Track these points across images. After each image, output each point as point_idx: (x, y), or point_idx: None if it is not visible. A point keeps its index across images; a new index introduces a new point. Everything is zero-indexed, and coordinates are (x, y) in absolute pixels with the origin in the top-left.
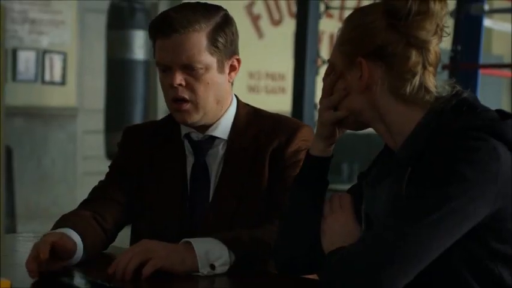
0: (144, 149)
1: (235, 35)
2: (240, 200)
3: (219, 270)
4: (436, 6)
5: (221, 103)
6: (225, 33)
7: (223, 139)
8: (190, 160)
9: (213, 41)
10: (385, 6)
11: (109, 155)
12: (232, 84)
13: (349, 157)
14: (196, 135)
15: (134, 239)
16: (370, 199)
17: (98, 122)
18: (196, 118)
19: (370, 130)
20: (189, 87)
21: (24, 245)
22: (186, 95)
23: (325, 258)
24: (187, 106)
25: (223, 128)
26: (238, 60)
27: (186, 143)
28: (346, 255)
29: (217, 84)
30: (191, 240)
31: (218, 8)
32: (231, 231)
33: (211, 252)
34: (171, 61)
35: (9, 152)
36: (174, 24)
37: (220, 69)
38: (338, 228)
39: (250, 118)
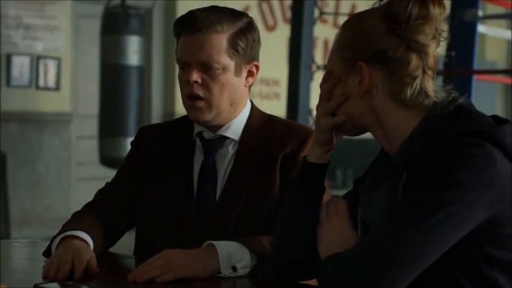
0: (155, 148)
1: (256, 41)
2: (247, 201)
3: (240, 272)
4: (435, 11)
5: (235, 105)
6: (246, 38)
7: (234, 139)
8: (199, 158)
9: (233, 44)
10: (385, 11)
11: (103, 160)
12: (249, 89)
13: (343, 163)
14: (208, 134)
15: (137, 239)
16: (366, 205)
17: (92, 127)
18: (208, 117)
19: (364, 136)
20: (205, 85)
21: (19, 250)
22: (201, 93)
23: (321, 263)
24: (201, 104)
25: (235, 128)
26: (257, 67)
27: (198, 141)
28: (342, 261)
29: (232, 86)
30: (214, 243)
31: (243, 14)
32: (252, 236)
33: (233, 255)
34: (191, 58)
35: (3, 158)
36: (197, 23)
37: (238, 72)
38: (334, 234)
39: (263, 122)
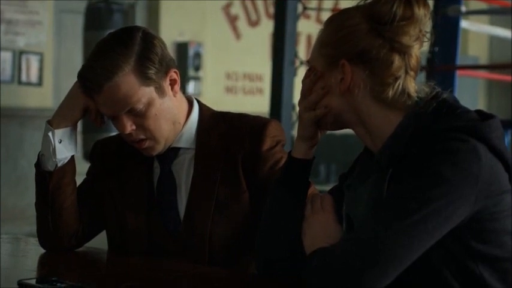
0: (112, 161)
1: (160, 52)
2: (216, 208)
3: None
4: (420, 12)
5: (177, 120)
6: (150, 59)
7: (189, 148)
8: (158, 171)
9: (142, 74)
10: (369, 11)
11: (86, 156)
12: (182, 91)
13: (326, 158)
14: None
15: (109, 247)
16: (351, 200)
17: None
18: (159, 148)
19: (346, 131)
20: (141, 127)
21: (2, 246)
22: (141, 135)
23: (306, 259)
24: (146, 143)
25: (186, 137)
26: (176, 72)
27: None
28: (327, 256)
29: (165, 110)
30: None
31: (133, 33)
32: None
33: None
34: (114, 113)
35: None
36: (97, 79)
37: (161, 93)
38: (319, 229)
39: (214, 121)
